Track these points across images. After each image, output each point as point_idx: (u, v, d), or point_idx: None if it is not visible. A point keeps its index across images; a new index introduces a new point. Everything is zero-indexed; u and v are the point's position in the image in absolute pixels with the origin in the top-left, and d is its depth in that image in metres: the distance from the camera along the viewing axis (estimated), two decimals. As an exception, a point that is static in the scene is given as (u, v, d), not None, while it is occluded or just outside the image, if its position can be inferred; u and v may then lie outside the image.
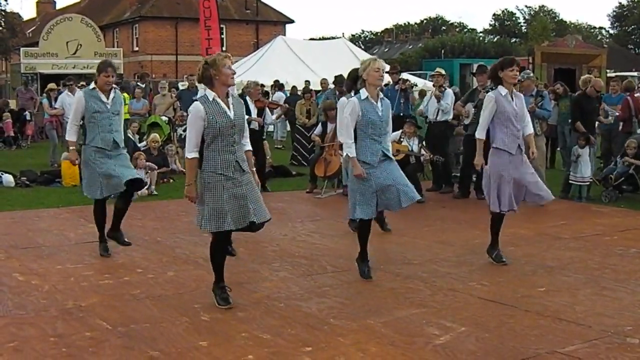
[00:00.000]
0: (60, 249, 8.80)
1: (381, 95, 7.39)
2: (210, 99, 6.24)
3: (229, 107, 6.29)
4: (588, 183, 12.63)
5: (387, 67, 7.48)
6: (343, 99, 9.67)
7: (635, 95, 15.10)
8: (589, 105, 13.37)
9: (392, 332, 5.88)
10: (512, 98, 7.93)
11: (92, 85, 8.33)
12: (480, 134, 7.99)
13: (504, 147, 7.87)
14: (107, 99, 8.24)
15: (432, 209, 11.80)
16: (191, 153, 6.27)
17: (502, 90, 7.91)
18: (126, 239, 8.56)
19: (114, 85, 8.41)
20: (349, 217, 7.68)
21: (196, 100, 6.39)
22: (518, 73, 8.08)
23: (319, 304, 6.65)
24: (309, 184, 13.72)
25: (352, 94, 9.13)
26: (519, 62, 8.56)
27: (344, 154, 7.35)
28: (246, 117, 13.03)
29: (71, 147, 8.50)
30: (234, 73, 6.37)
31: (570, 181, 12.78)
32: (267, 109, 14.29)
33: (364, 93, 7.25)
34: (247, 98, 13.33)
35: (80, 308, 6.47)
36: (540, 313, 6.36)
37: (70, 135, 8.42)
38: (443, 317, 6.26)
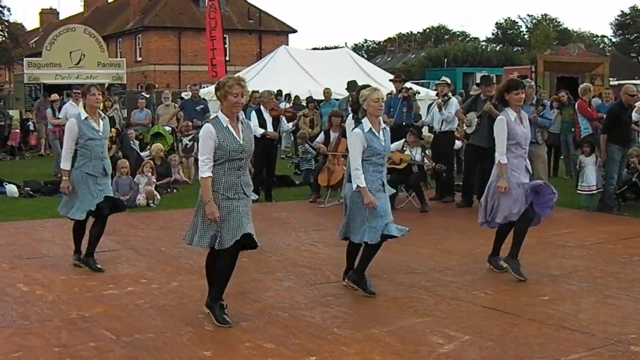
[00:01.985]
0: (64, 259, 8.81)
1: (383, 125, 7.43)
2: (224, 125, 6.29)
3: (238, 133, 6.34)
4: (594, 192, 12.50)
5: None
6: (350, 120, 9.71)
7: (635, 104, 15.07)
8: (625, 115, 12.84)
9: (395, 341, 5.89)
10: (521, 121, 8.00)
11: (84, 115, 8.30)
12: (502, 159, 7.94)
13: (511, 166, 7.94)
14: (99, 126, 8.33)
15: (435, 218, 11.81)
16: (205, 172, 6.31)
17: (510, 114, 7.95)
18: (99, 265, 8.36)
19: (100, 112, 8.51)
20: (342, 234, 7.66)
21: (208, 122, 6.45)
22: (523, 96, 8.10)
23: (322, 313, 6.66)
24: (313, 193, 13.74)
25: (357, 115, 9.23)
26: (525, 85, 8.60)
27: (354, 185, 7.35)
28: (262, 131, 13.08)
29: (64, 177, 8.39)
30: (239, 103, 6.37)
31: (578, 191, 12.71)
32: (282, 117, 14.32)
33: (366, 124, 7.29)
34: (262, 107, 13.36)
35: (84, 318, 6.49)
36: (543, 321, 6.37)
37: (65, 164, 8.35)
38: (446, 326, 6.26)
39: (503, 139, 7.94)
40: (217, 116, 6.39)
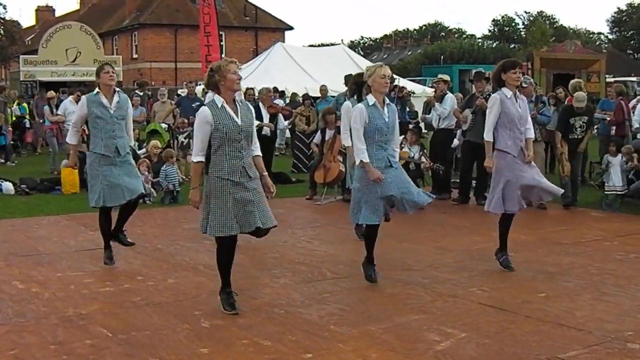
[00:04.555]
0: (60, 257, 8.80)
1: (387, 100, 7.39)
2: (219, 105, 6.26)
3: (236, 113, 6.30)
4: (620, 192, 12.26)
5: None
6: (347, 103, 9.70)
7: (632, 102, 15.15)
8: None
9: (392, 338, 5.88)
10: (516, 100, 7.96)
11: (96, 90, 8.24)
12: (488, 136, 7.96)
13: (506, 149, 7.89)
14: (110, 103, 8.16)
15: (432, 215, 11.79)
16: (197, 157, 6.30)
17: (506, 92, 7.91)
18: (129, 240, 8.49)
19: (117, 89, 8.36)
20: (352, 222, 7.68)
21: (204, 105, 6.40)
22: (520, 75, 8.08)
23: (319, 310, 6.65)
24: (309, 190, 13.73)
25: (355, 98, 9.22)
26: (521, 63, 8.56)
27: (357, 161, 7.31)
28: (257, 123, 13.07)
29: (72, 151, 8.47)
30: (240, 78, 6.36)
31: (605, 192, 12.51)
32: (280, 114, 14.29)
33: (370, 99, 7.25)
34: (260, 104, 13.34)
35: (80, 315, 6.48)
36: (540, 319, 6.36)
37: (71, 138, 8.40)
38: (443, 323, 6.25)
39: (493, 115, 7.91)
40: (213, 99, 6.34)
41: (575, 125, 12.05)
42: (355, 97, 9.53)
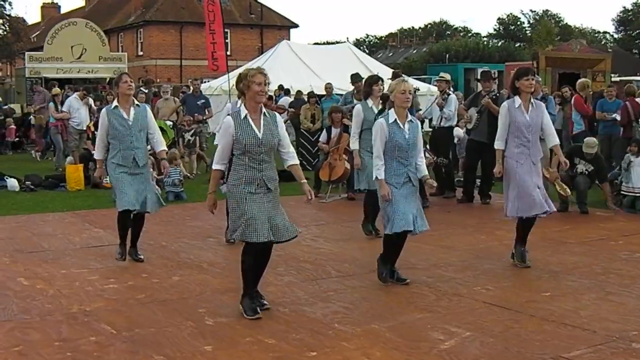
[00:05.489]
0: (65, 253, 8.82)
1: (409, 117, 7.41)
2: (242, 117, 6.28)
3: (259, 127, 6.30)
4: (639, 195, 11.96)
5: (408, 86, 7.50)
6: (358, 106, 9.73)
7: (636, 100, 15.00)
8: None
9: (396, 336, 5.88)
10: (528, 108, 8.03)
11: (115, 103, 8.36)
12: (499, 145, 8.10)
13: (511, 156, 8.03)
14: (129, 114, 8.25)
15: (437, 214, 11.76)
16: (217, 165, 6.36)
17: (516, 101, 8.04)
18: (141, 256, 8.53)
19: (136, 101, 8.48)
20: (386, 232, 7.66)
21: (229, 115, 6.45)
22: (533, 82, 8.15)
23: (323, 308, 6.65)
24: (314, 188, 13.70)
25: (367, 101, 9.29)
26: (534, 71, 8.63)
27: (373, 176, 7.41)
28: None
29: (98, 166, 8.63)
30: (263, 91, 6.34)
31: (622, 192, 12.30)
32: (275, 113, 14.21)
33: (392, 115, 7.29)
34: None
35: (85, 312, 6.48)
36: (545, 318, 6.36)
37: (98, 154, 8.54)
38: (448, 321, 6.25)
39: (502, 125, 8.10)
40: (238, 109, 6.39)
41: (577, 167, 11.86)
42: (367, 100, 9.61)
